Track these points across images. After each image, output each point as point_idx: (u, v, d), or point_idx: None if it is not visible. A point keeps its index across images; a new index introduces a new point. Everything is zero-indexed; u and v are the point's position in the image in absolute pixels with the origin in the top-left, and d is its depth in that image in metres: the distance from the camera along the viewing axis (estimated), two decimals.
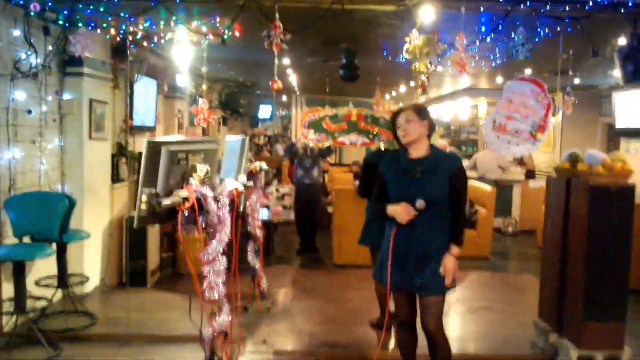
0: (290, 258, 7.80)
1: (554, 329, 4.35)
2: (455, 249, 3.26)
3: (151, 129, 7.57)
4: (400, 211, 3.19)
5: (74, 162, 5.48)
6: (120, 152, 6.44)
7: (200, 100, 10.18)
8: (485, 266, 7.49)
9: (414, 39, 4.29)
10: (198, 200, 2.84)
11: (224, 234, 2.94)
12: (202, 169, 2.99)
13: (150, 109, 7.28)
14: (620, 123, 8.21)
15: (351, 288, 6.22)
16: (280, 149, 15.59)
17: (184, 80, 8.75)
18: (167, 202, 2.72)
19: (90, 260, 5.67)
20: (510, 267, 7.82)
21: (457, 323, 5.33)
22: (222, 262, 2.94)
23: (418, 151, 3.32)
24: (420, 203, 3.15)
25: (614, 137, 9.60)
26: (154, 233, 6.20)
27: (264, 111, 20.06)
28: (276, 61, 4.23)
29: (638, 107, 7.70)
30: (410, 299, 3.40)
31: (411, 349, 3.55)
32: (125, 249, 6.02)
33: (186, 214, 2.84)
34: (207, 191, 2.89)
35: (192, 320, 2.96)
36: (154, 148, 2.79)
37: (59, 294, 5.04)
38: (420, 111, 3.36)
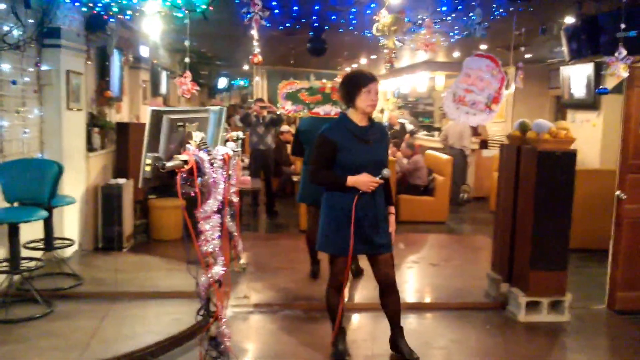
0: (256, 225, 8.18)
1: (505, 279, 4.88)
2: (393, 209, 3.73)
3: (117, 99, 7.70)
4: (366, 181, 3.41)
5: (53, 131, 5.64)
6: (92, 122, 6.61)
7: (163, 71, 10.30)
8: (442, 229, 8.03)
9: (383, 18, 4.64)
10: (196, 163, 3.15)
11: (218, 193, 3.27)
12: (197, 135, 3.30)
13: (115, 79, 7.41)
14: (566, 95, 8.81)
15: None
16: (237, 120, 15.75)
17: (147, 51, 8.87)
18: (170, 164, 3.03)
19: (69, 226, 5.88)
20: (465, 229, 8.40)
21: (416, 277, 5.83)
22: (217, 219, 3.27)
23: (364, 121, 3.57)
24: (387, 172, 3.47)
25: (561, 108, 10.16)
26: (128, 201, 6.43)
27: (223, 83, 20.13)
28: (255, 35, 4.49)
29: (583, 81, 8.29)
30: (350, 263, 3.68)
31: (340, 310, 3.70)
32: (100, 215, 6.25)
33: (184, 176, 3.15)
34: (203, 155, 3.20)
35: (189, 272, 3.30)
36: (157, 116, 3.09)
37: (43, 256, 5.25)
38: None
